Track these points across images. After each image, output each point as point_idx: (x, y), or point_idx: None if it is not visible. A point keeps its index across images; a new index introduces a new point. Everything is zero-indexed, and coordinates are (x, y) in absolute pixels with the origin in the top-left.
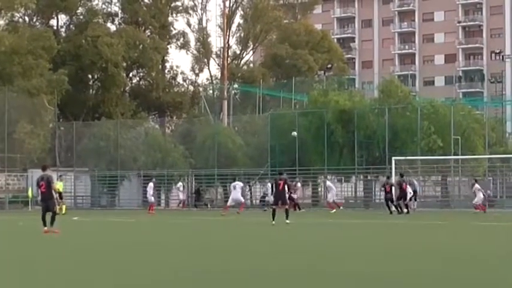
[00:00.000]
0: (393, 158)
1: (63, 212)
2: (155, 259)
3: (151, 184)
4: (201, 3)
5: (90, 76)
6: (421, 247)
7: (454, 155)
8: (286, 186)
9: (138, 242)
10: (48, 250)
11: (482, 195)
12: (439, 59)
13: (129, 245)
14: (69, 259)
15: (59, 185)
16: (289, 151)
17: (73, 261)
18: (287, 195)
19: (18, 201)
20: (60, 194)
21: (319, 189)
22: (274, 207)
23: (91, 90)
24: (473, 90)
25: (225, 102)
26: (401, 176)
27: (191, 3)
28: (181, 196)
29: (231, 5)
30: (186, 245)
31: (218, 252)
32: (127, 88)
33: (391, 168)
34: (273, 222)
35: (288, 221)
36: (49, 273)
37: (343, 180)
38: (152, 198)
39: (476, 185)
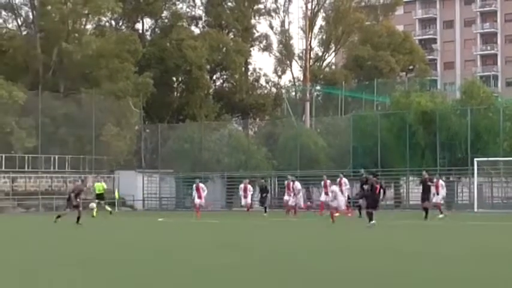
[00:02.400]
0: (475, 159)
1: (94, 213)
2: (236, 261)
3: (194, 185)
4: (283, 5)
5: (174, 79)
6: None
7: None
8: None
9: (223, 243)
10: (138, 252)
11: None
12: None
13: (213, 247)
14: (152, 261)
15: (98, 186)
16: (371, 152)
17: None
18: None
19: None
20: (101, 194)
21: (401, 191)
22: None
23: (175, 93)
24: None
25: (307, 104)
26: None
27: (273, 5)
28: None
29: (313, 7)
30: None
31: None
32: (211, 90)
33: (473, 169)
34: (373, 222)
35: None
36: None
37: None
38: (198, 201)
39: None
